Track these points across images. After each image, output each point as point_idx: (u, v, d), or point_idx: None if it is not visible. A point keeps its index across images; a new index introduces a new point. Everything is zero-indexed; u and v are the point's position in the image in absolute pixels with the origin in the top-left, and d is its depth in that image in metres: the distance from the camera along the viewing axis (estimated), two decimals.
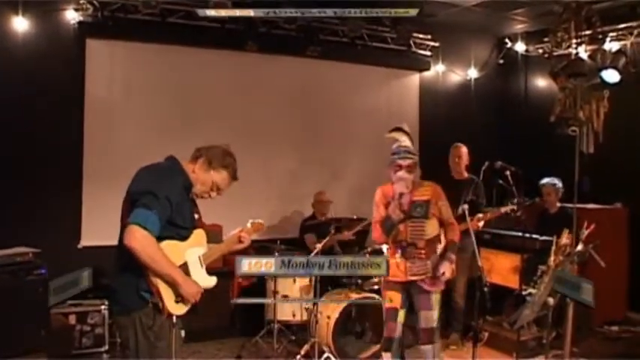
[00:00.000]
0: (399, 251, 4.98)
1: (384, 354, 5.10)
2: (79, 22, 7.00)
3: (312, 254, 6.63)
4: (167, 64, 7.62)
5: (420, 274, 4.93)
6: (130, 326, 3.56)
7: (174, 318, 3.59)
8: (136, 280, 3.50)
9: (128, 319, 3.57)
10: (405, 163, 4.90)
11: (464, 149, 7.16)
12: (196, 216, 3.91)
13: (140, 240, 3.36)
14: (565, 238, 6.13)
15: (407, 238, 4.95)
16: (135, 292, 3.51)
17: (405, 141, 4.98)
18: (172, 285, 3.55)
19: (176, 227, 3.62)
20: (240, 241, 4.24)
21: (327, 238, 6.54)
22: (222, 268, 7.21)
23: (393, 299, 5.00)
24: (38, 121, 6.80)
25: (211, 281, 3.92)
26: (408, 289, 5.01)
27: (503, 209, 6.64)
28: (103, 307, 6.41)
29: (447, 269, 4.92)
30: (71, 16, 6.98)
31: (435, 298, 5.02)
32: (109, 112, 7.26)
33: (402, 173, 4.89)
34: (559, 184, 7.23)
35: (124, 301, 3.58)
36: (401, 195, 4.94)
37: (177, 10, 7.32)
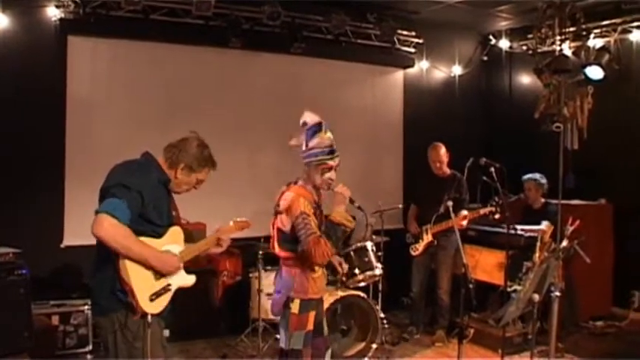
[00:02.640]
0: None
1: None
2: (61, 19, 6.90)
3: None
4: (150, 62, 7.56)
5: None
6: (109, 326, 3.55)
7: (148, 317, 3.53)
8: (111, 280, 3.48)
9: (106, 320, 3.56)
10: (335, 163, 4.30)
11: (443, 149, 7.13)
12: (174, 213, 3.87)
13: (108, 229, 3.33)
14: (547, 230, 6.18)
15: None
16: (111, 293, 3.50)
17: (331, 137, 4.34)
18: (148, 275, 3.55)
19: (151, 224, 3.60)
20: (219, 244, 4.13)
21: None
22: (207, 266, 7.23)
23: (312, 320, 4.36)
24: (19, 120, 6.70)
25: (190, 280, 3.88)
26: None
27: (482, 211, 6.65)
28: (86, 307, 6.35)
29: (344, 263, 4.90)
30: (52, 12, 6.89)
31: None
32: (92, 110, 7.17)
33: (332, 174, 4.31)
34: (541, 179, 7.23)
35: (101, 301, 3.57)
36: (351, 199, 4.33)
37: (160, 7, 7.25)
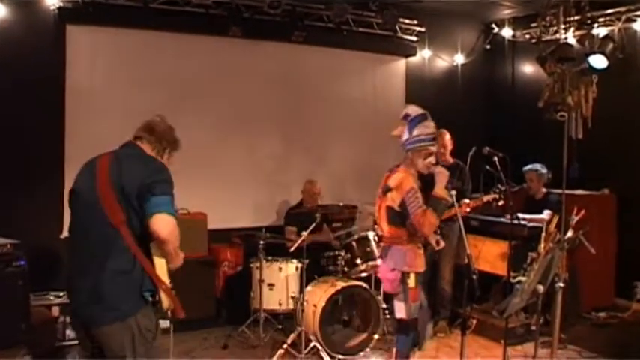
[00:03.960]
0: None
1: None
2: (59, 8, 6.85)
3: (292, 248, 6.59)
4: (150, 51, 7.51)
5: None
6: (125, 332, 3.31)
7: (169, 313, 3.48)
8: (139, 280, 3.31)
9: (121, 326, 3.30)
10: (435, 149, 4.98)
11: (447, 136, 7.10)
12: None
13: (173, 231, 3.26)
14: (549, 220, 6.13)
15: None
16: (136, 294, 3.32)
17: (433, 126, 4.97)
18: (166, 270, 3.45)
19: None
20: None
21: (308, 231, 6.44)
22: (208, 257, 7.21)
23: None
24: (18, 111, 6.67)
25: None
26: None
27: (485, 198, 6.60)
28: None
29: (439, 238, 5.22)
30: (51, 1, 6.83)
31: None
32: (91, 100, 7.12)
33: (432, 159, 4.92)
34: (542, 169, 7.21)
35: (117, 306, 3.30)
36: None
37: None
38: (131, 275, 3.30)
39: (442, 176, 4.82)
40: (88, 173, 3.54)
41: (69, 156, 6.95)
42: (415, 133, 4.80)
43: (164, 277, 3.38)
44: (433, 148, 4.87)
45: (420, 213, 4.61)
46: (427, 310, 5.04)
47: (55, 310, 6.24)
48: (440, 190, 4.76)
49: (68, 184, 6.81)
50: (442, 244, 5.21)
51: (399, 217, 4.78)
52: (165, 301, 3.38)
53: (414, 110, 4.92)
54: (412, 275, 4.81)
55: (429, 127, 4.85)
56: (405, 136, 4.84)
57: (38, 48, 6.82)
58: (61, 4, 6.84)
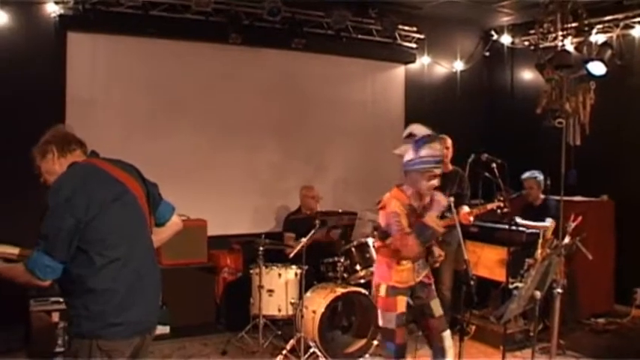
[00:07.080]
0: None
1: None
2: (60, 15, 6.89)
3: (292, 254, 6.60)
4: (150, 58, 7.54)
5: (423, 272, 4.96)
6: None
7: None
8: None
9: None
10: (439, 172, 4.72)
11: (450, 141, 7.13)
12: None
13: None
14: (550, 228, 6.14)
15: None
16: None
17: (441, 148, 4.81)
18: None
19: None
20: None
21: (308, 238, 6.46)
22: (207, 263, 7.22)
23: (403, 304, 4.81)
24: (18, 118, 6.67)
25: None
26: (413, 291, 4.89)
27: (489, 206, 6.59)
28: None
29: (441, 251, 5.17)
30: (52, 9, 6.88)
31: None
32: (91, 107, 7.14)
33: (436, 181, 4.70)
34: (540, 176, 7.22)
35: None
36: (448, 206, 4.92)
37: (160, 3, 7.23)
38: None
39: (438, 205, 4.76)
40: (113, 183, 3.30)
41: None
42: (422, 153, 4.63)
43: None
44: (437, 171, 4.66)
45: (399, 237, 4.55)
46: (439, 319, 4.87)
47: (55, 316, 6.21)
48: (430, 218, 4.67)
49: None
50: (439, 254, 5.19)
51: (382, 232, 4.79)
52: None
53: (420, 130, 4.76)
54: (383, 286, 4.76)
55: (436, 148, 4.67)
56: (410, 156, 4.68)
57: (39, 55, 6.87)
58: (62, 12, 6.89)
